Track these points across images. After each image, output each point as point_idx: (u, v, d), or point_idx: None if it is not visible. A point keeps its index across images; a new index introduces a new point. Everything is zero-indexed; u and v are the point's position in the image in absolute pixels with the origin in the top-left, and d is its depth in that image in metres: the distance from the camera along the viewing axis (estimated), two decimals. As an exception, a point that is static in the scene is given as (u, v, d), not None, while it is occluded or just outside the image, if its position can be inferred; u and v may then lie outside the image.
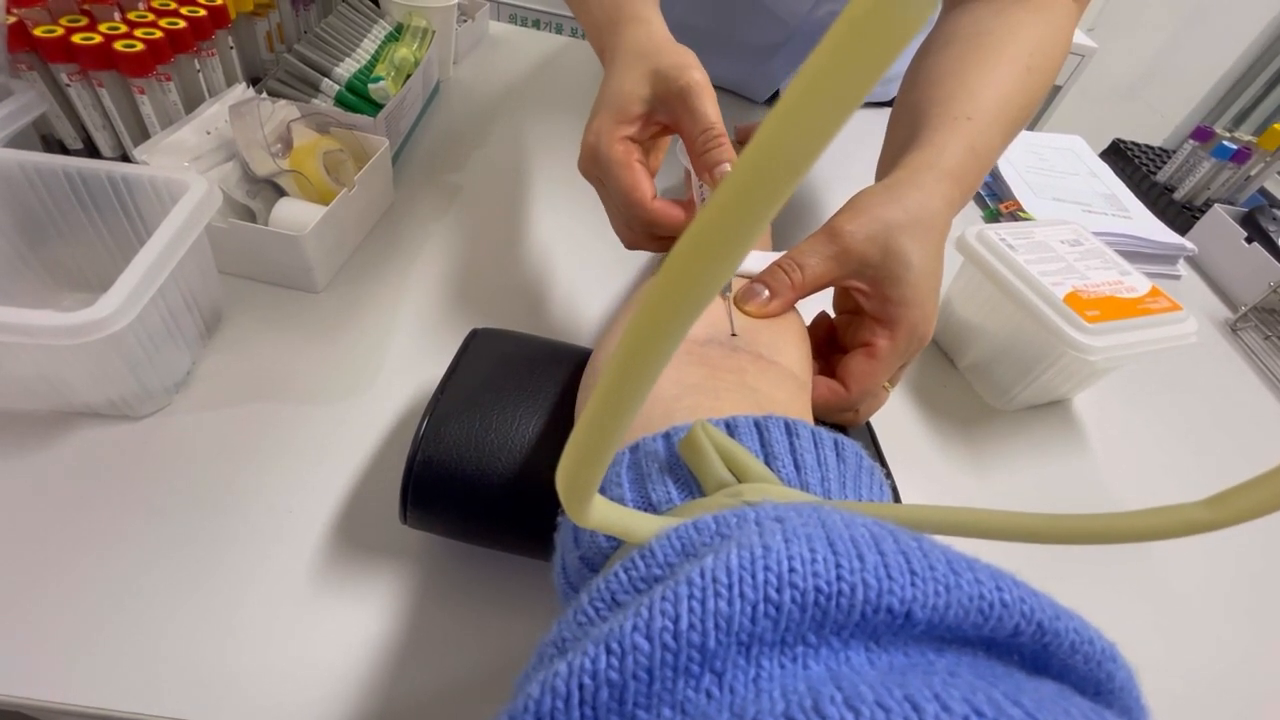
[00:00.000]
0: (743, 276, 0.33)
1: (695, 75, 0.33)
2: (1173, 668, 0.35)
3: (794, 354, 0.29)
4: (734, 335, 0.28)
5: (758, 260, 0.33)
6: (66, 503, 0.30)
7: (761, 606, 0.12)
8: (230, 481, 0.32)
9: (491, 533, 0.29)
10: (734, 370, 0.26)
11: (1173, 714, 0.34)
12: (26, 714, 0.27)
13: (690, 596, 0.12)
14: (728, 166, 0.33)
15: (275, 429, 0.35)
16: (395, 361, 0.40)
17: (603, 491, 0.19)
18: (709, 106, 0.33)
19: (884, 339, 0.31)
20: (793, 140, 0.07)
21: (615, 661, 0.11)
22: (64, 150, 0.44)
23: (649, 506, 0.19)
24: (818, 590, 0.12)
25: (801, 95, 0.07)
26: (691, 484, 0.19)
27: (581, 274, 0.49)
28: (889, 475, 0.31)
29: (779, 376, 0.27)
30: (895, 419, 0.44)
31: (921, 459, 0.42)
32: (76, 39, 0.39)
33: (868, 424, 0.34)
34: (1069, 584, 0.37)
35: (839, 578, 0.12)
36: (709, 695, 0.11)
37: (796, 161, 0.07)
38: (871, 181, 0.67)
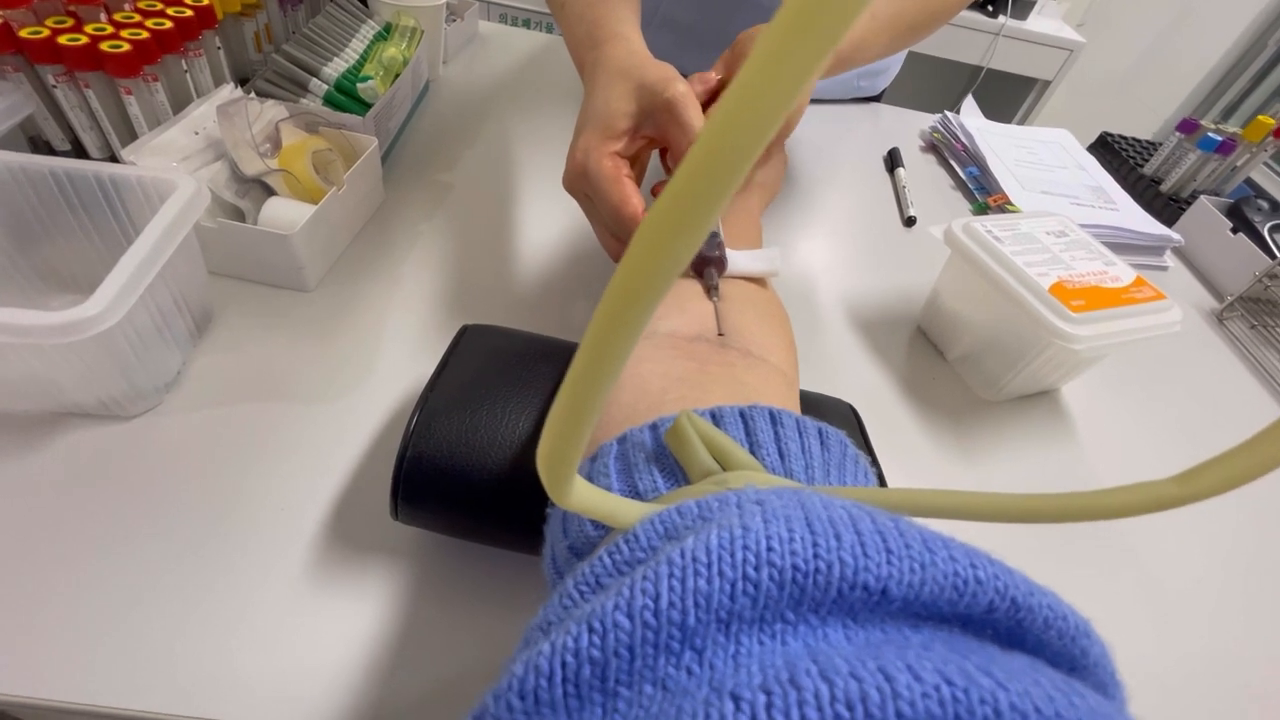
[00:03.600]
0: (733, 277, 0.33)
1: (679, 87, 0.34)
2: (1162, 653, 0.36)
3: (783, 354, 0.29)
4: (721, 335, 0.28)
5: (747, 259, 0.34)
6: (57, 503, 0.30)
7: (740, 584, 0.12)
8: (222, 480, 0.32)
9: (482, 527, 0.29)
10: (723, 365, 0.26)
11: (1163, 699, 0.34)
12: (16, 716, 0.27)
13: (670, 575, 0.12)
14: None
15: (267, 428, 0.35)
16: (387, 359, 0.40)
17: (591, 481, 0.19)
18: (695, 117, 0.33)
19: None
20: (754, 107, 0.07)
21: (597, 640, 0.12)
22: (51, 152, 0.44)
23: (636, 495, 0.19)
24: (795, 568, 0.12)
25: (761, 64, 0.07)
26: (678, 473, 0.19)
27: (572, 270, 0.49)
28: (875, 464, 0.31)
29: (767, 372, 0.27)
30: (885, 411, 0.45)
31: (912, 451, 0.43)
32: (62, 40, 0.39)
33: (855, 414, 0.34)
34: (1058, 570, 0.38)
35: (816, 556, 0.12)
36: (689, 671, 0.12)
37: (759, 128, 0.07)
38: (859, 178, 0.68)
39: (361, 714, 0.27)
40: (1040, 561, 0.38)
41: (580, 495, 0.14)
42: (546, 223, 0.53)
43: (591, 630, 0.12)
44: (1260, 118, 0.69)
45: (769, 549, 0.12)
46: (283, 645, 0.28)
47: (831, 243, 0.59)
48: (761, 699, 0.10)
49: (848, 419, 0.34)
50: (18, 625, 0.27)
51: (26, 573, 0.28)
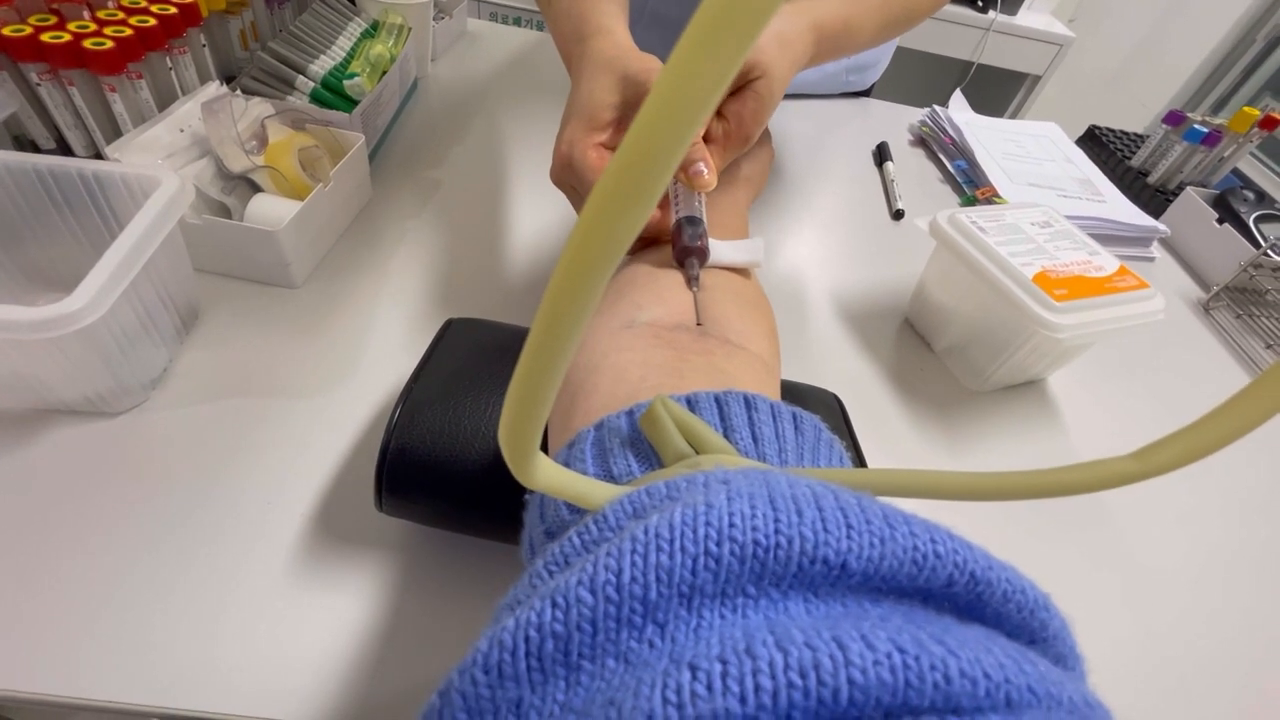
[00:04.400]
0: (714, 267, 0.33)
1: None
2: (1140, 637, 0.36)
3: (763, 342, 0.30)
4: (699, 325, 0.29)
5: (730, 250, 0.34)
6: (44, 500, 0.30)
7: (702, 559, 0.12)
8: (208, 476, 0.33)
9: (466, 518, 0.29)
10: (702, 353, 0.26)
11: (1142, 682, 0.34)
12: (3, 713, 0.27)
13: (633, 551, 0.12)
14: (702, 166, 0.34)
15: (254, 424, 0.35)
16: (374, 355, 0.40)
17: (568, 467, 0.19)
18: None
19: (727, 128, 0.37)
20: (700, 71, 0.08)
21: (560, 614, 0.12)
22: (36, 150, 0.44)
23: (610, 480, 0.19)
24: (756, 543, 0.12)
25: (705, 24, 0.07)
26: (652, 457, 0.19)
27: (560, 266, 0.49)
28: (856, 449, 0.32)
29: (747, 360, 0.27)
30: (873, 402, 0.45)
31: (899, 442, 0.43)
32: (45, 38, 0.39)
33: (839, 404, 0.35)
34: (1040, 556, 0.38)
35: (776, 531, 0.12)
36: (651, 645, 0.12)
37: (705, 95, 0.08)
38: (848, 172, 0.67)
39: (347, 705, 0.27)
40: (1024, 546, 0.38)
41: (546, 475, 0.14)
42: (535, 218, 0.53)
43: (555, 605, 0.12)
44: (1245, 108, 0.70)
45: (731, 525, 0.12)
46: (269, 638, 0.28)
47: (820, 236, 0.60)
48: (718, 668, 0.10)
49: (831, 409, 0.34)
50: (4, 620, 0.27)
51: (10, 569, 0.28)
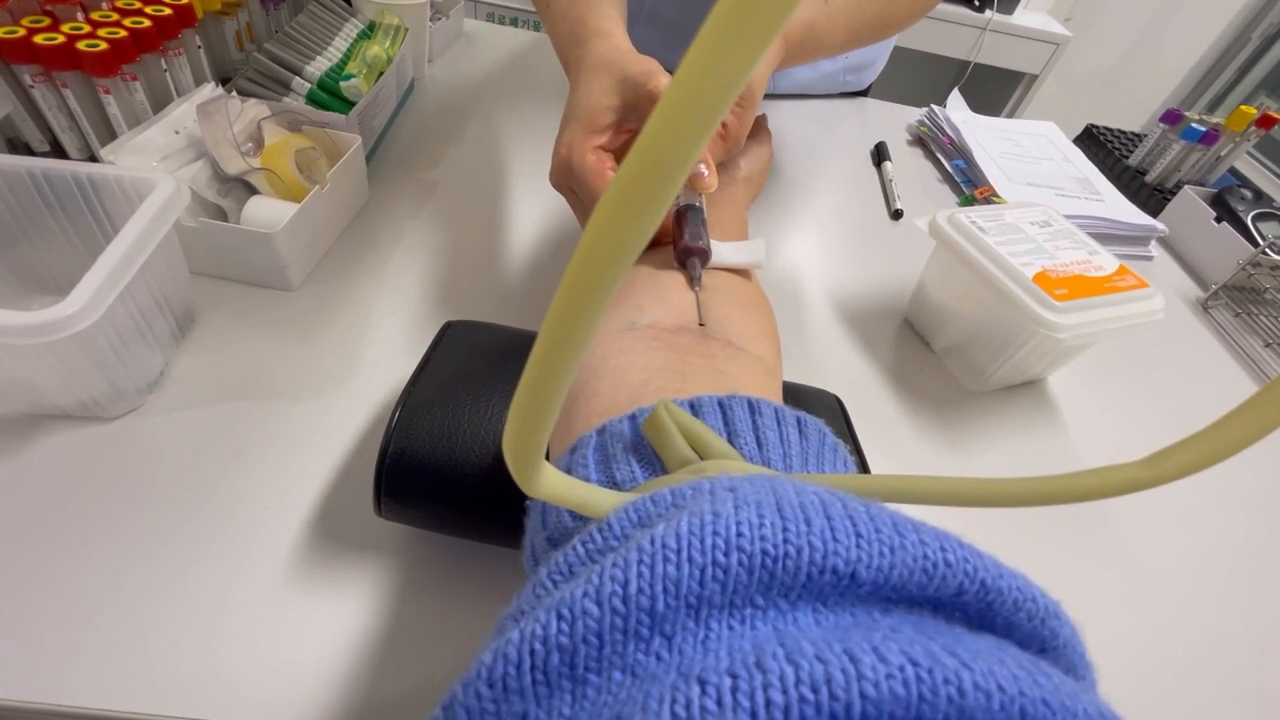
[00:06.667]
0: (716, 269, 0.33)
1: (662, 80, 0.34)
2: (1140, 637, 0.36)
3: (764, 344, 0.29)
4: (702, 325, 0.28)
5: (731, 251, 0.34)
6: (39, 506, 0.30)
7: (709, 570, 0.12)
8: (205, 480, 0.32)
9: (466, 523, 0.29)
10: (703, 356, 0.26)
11: (1143, 684, 0.34)
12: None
13: (639, 562, 0.12)
14: (703, 168, 0.33)
15: (251, 427, 0.35)
16: (371, 358, 0.40)
17: (570, 474, 0.19)
18: None
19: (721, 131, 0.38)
20: (711, 81, 0.07)
21: (566, 627, 0.12)
22: (30, 153, 0.44)
23: (614, 486, 0.19)
24: (764, 553, 0.12)
25: (715, 36, 0.07)
26: (655, 463, 0.19)
27: (559, 267, 0.49)
28: (858, 453, 0.32)
29: (748, 362, 0.27)
30: (873, 402, 0.45)
31: (899, 442, 0.43)
32: (39, 40, 0.39)
33: (840, 405, 0.35)
34: (1041, 558, 0.38)
35: (785, 540, 0.12)
36: (658, 657, 0.12)
37: (717, 103, 0.07)
38: (846, 172, 0.68)
39: (346, 712, 0.26)
40: (1026, 548, 0.38)
41: (551, 484, 0.14)
42: (533, 220, 0.53)
43: (560, 617, 0.12)
44: (1242, 107, 0.70)
45: (738, 534, 0.12)
46: (267, 644, 0.28)
47: (819, 236, 0.59)
48: (727, 682, 0.10)
49: (833, 410, 0.34)
50: (1, 627, 0.27)
51: (5, 575, 0.28)
